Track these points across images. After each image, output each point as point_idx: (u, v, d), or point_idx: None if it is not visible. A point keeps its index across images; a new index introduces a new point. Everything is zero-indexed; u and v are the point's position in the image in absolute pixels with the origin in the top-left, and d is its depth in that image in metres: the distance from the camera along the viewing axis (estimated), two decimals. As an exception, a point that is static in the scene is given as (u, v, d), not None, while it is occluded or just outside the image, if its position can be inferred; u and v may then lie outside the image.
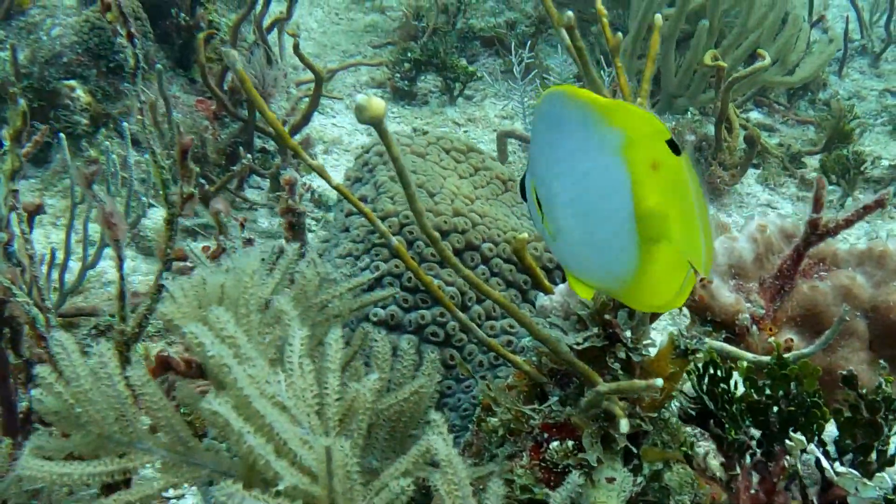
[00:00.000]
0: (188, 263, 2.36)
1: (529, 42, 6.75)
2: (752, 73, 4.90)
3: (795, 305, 1.96)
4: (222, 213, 2.28)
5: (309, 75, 6.27)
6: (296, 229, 3.67)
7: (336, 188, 1.82)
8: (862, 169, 5.55)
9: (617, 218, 1.53)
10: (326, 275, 1.73)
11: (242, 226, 2.45)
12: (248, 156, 4.83)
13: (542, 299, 1.97)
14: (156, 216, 4.25)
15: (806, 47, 6.30)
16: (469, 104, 6.49)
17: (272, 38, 5.36)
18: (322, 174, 1.79)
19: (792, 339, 1.94)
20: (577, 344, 1.85)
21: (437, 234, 1.61)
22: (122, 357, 2.29)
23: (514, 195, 2.46)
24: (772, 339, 1.96)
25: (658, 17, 2.53)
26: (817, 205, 1.96)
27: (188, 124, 4.92)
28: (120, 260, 2.24)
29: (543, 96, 1.57)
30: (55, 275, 3.31)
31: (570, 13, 1.59)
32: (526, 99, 5.61)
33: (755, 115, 6.70)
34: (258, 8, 4.78)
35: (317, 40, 7.06)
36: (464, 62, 6.61)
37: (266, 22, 4.91)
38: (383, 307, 2.16)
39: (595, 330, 1.87)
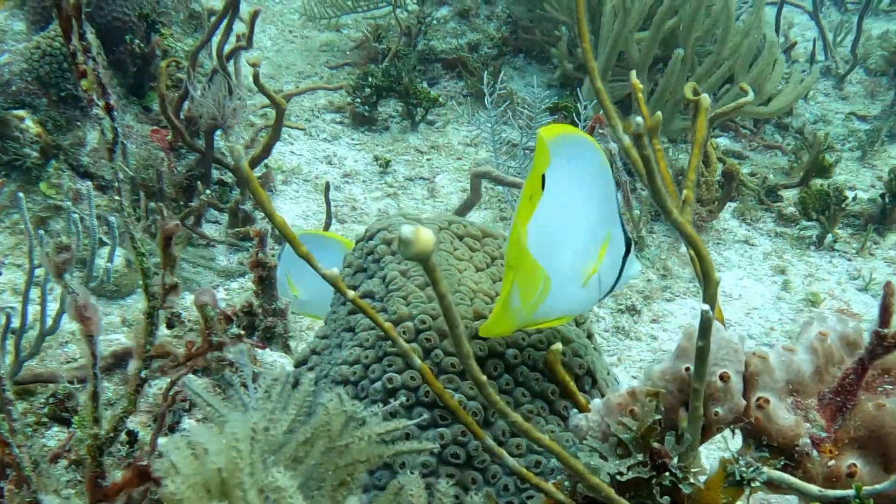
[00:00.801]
0: (169, 362, 2.11)
1: (492, 67, 6.54)
2: (735, 108, 4.70)
3: (859, 425, 1.76)
4: (209, 307, 2.03)
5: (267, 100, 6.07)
6: (265, 284, 3.44)
7: (353, 301, 1.59)
8: (843, 205, 5.39)
9: None
10: (353, 413, 1.49)
11: (229, 317, 2.21)
12: (208, 191, 4.61)
13: (577, 418, 1.76)
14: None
15: (780, 76, 6.11)
16: (431, 130, 6.27)
17: (230, 63, 5.12)
18: (336, 285, 1.57)
19: (855, 465, 1.74)
20: (620, 474, 1.64)
21: (483, 379, 1.39)
22: (95, 464, 2.05)
23: (535, 287, 2.25)
24: (832, 462, 1.75)
25: (688, 87, 2.32)
26: (885, 314, 1.74)
27: (143, 156, 4.68)
28: (94, 357, 2.00)
29: None
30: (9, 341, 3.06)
31: (639, 119, 1.37)
32: (496, 127, 5.39)
33: (722, 141, 6.55)
34: (218, 35, 4.53)
35: (271, 59, 6.81)
36: (425, 86, 6.39)
37: (226, 49, 4.65)
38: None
39: (640, 457, 1.66)
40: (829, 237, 5.41)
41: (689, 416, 1.67)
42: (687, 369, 1.71)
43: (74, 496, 2.69)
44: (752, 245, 5.40)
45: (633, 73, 2.09)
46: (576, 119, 5.30)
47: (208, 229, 4.79)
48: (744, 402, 1.73)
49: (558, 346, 1.74)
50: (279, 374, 1.68)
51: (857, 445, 1.77)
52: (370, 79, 6.14)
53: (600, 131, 4.84)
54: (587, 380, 2.07)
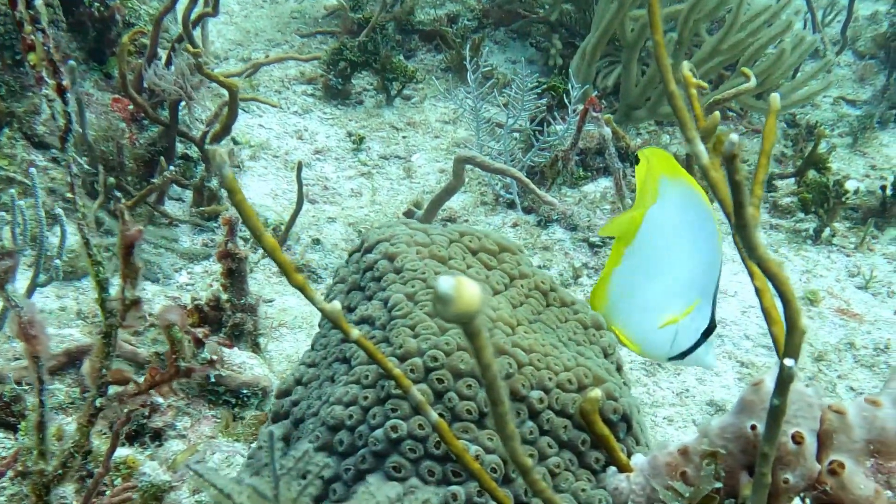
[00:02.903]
0: (130, 389, 1.80)
1: (472, 40, 6.22)
2: (735, 95, 4.42)
3: (953, 495, 1.49)
4: (176, 327, 1.72)
5: (236, 67, 5.75)
6: (235, 276, 3.15)
7: (359, 343, 1.29)
8: (844, 199, 5.12)
9: None
10: None
11: (199, 340, 1.90)
12: (171, 167, 4.29)
13: (618, 479, 1.47)
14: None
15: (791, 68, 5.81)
16: (408, 106, 5.97)
17: (196, 31, 4.80)
18: (338, 323, 1.28)
19: (946, 543, 1.46)
20: (672, 552, 1.36)
21: (529, 464, 1.09)
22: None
23: (560, 311, 1.95)
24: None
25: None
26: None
27: (103, 126, 4.36)
28: (40, 383, 1.70)
29: None
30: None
31: (734, 137, 1.08)
32: (477, 104, 5.09)
33: (708, 125, 6.26)
34: (185, 1, 4.22)
35: (239, 25, 6.48)
36: (402, 60, 6.08)
37: (193, 15, 4.33)
38: (401, 480, 1.63)
39: (696, 532, 1.38)
40: (827, 231, 5.15)
41: (755, 483, 1.38)
42: (753, 428, 1.42)
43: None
44: (747, 238, 5.12)
45: (686, 64, 1.80)
46: (565, 100, 5.01)
47: (171, 207, 4.49)
48: (818, 466, 1.45)
49: (597, 392, 1.44)
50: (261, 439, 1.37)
51: (948, 519, 1.49)
52: (345, 53, 5.82)
53: (594, 114, 4.55)
54: (622, 426, 1.78)
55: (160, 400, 2.77)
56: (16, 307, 1.64)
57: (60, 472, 1.74)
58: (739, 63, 5.45)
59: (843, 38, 7.53)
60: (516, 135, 5.24)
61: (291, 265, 1.28)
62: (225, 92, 4.52)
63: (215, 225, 4.44)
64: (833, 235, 5.20)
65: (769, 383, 1.44)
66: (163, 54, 4.41)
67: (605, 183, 5.12)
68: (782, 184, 5.61)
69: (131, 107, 4.45)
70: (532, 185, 3.80)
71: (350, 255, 1.98)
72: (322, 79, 5.90)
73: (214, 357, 1.84)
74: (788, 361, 1.23)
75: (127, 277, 1.69)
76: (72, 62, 3.93)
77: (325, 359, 1.87)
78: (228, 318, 3.19)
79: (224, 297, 3.20)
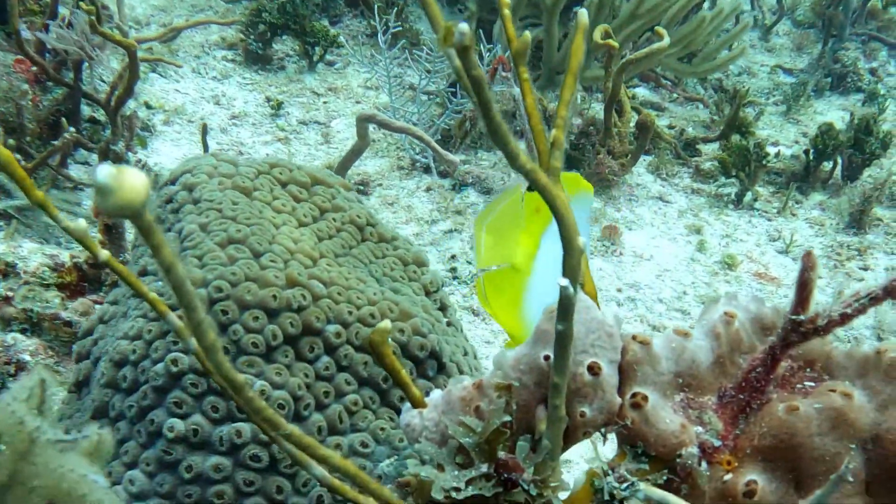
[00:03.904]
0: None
1: (398, 6, 6.11)
2: (647, 55, 4.34)
3: (765, 432, 1.39)
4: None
5: (153, 33, 5.63)
6: (113, 233, 3.05)
7: (106, 263, 1.20)
8: (764, 162, 5.05)
9: None
10: (35, 430, 1.09)
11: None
12: (72, 129, 4.18)
13: (410, 415, 1.38)
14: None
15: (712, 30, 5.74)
16: (330, 71, 5.87)
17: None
18: (83, 241, 1.19)
19: (755, 482, 1.37)
20: (456, 490, 1.27)
21: (241, 380, 0.99)
22: None
23: (377, 246, 1.85)
24: (728, 476, 1.39)
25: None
26: (803, 292, 1.36)
27: (3, 88, 4.24)
28: None
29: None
30: None
31: (463, 26, 0.99)
32: (393, 70, 5.00)
33: (641, 92, 6.21)
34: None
35: (163, -12, 6.36)
36: (325, 24, 5.97)
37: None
38: (183, 416, 1.54)
39: (484, 468, 1.29)
40: (749, 195, 5.09)
41: (549, 416, 1.29)
42: (546, 358, 1.33)
43: None
44: (667, 202, 5.06)
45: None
46: (478, 61, 4.91)
47: (77, 171, 4.38)
48: (618, 399, 1.36)
49: (386, 324, 1.34)
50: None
51: (761, 457, 1.39)
52: (264, 14, 5.70)
53: (503, 74, 4.47)
54: (431, 363, 1.69)
55: (27, 357, 2.68)
56: None
57: None
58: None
59: (780, 6, 7.47)
60: (437, 99, 5.16)
61: (30, 181, 1.19)
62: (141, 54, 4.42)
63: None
64: (755, 200, 5.14)
65: (564, 310, 1.35)
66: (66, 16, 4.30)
67: (520, 145, 5.03)
68: (706, 148, 5.54)
69: (35, 68, 4.34)
70: (433, 144, 3.71)
71: (158, 190, 1.88)
72: (242, 44, 5.79)
73: (31, 280, 1.72)
74: (563, 281, 1.15)
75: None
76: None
77: (124, 295, 1.78)
78: (107, 275, 3.09)
79: (103, 254, 3.09)
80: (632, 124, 5.01)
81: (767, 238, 4.86)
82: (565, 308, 1.17)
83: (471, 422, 1.31)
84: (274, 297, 1.56)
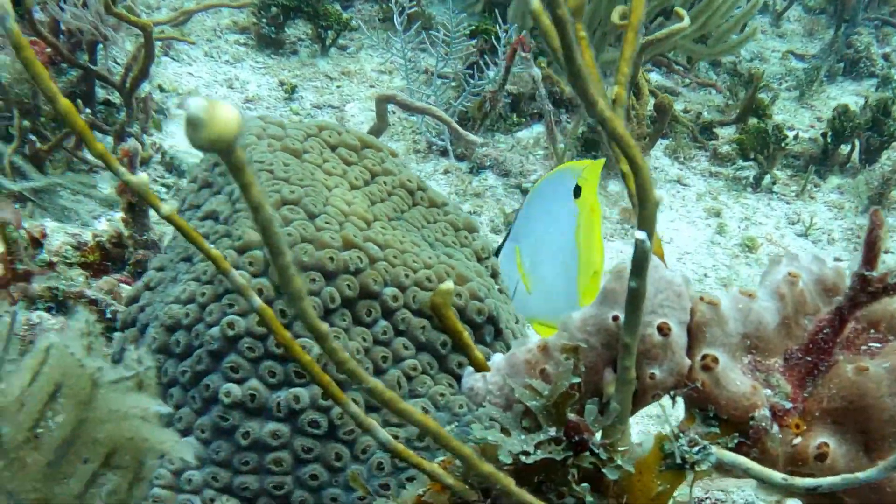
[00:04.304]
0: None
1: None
2: (667, 36, 4.29)
3: (834, 394, 1.36)
4: (11, 226, 1.58)
5: (164, 16, 5.59)
6: (136, 211, 3.01)
7: (168, 219, 1.17)
8: (783, 144, 5.02)
9: (568, 255, 2.19)
10: (96, 371, 1.05)
11: (37, 240, 1.73)
12: (87, 110, 4.15)
13: (473, 378, 1.35)
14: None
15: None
16: (343, 56, 5.83)
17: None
18: (146, 197, 1.16)
19: (827, 445, 1.33)
20: (525, 454, 1.24)
21: (324, 329, 0.96)
22: None
23: (428, 211, 1.82)
24: (798, 440, 1.36)
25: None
26: (871, 251, 1.33)
27: (17, 69, 4.21)
28: None
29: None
30: None
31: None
32: (408, 53, 4.97)
33: (654, 76, 6.17)
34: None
35: (173, -27, 6.33)
36: (337, 8, 5.93)
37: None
38: (240, 381, 1.50)
39: (552, 432, 1.26)
40: (768, 178, 5.06)
41: (618, 378, 1.26)
42: (615, 318, 1.30)
43: None
44: (685, 185, 5.04)
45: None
46: (495, 43, 4.88)
47: (90, 153, 4.34)
48: (688, 361, 1.33)
49: (449, 284, 1.31)
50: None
51: (830, 419, 1.36)
52: (276, -3, 5.68)
53: (522, 54, 4.43)
54: (489, 329, 1.65)
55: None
56: None
57: None
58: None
59: (792, -9, 7.45)
60: (453, 83, 5.13)
61: (90, 133, 1.16)
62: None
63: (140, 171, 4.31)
64: (774, 183, 5.11)
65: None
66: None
67: (538, 129, 5.01)
68: (723, 132, 5.51)
69: (49, 50, 4.30)
70: (454, 124, 3.68)
71: (205, 155, 1.85)
72: (255, 27, 5.75)
73: (54, 259, 1.67)
74: (640, 234, 1.11)
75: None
76: (-17, 1, 3.78)
77: (172, 261, 1.74)
78: (131, 254, 3.06)
79: (126, 232, 3.05)
80: (648, 107, 4.98)
81: (787, 221, 4.84)
82: (640, 263, 1.14)
83: (537, 384, 1.28)
84: (331, 258, 1.52)
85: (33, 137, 4.04)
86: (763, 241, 4.59)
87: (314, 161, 1.69)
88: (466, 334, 1.38)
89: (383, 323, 1.54)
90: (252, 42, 5.77)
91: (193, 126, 0.77)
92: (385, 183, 1.75)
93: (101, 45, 4.32)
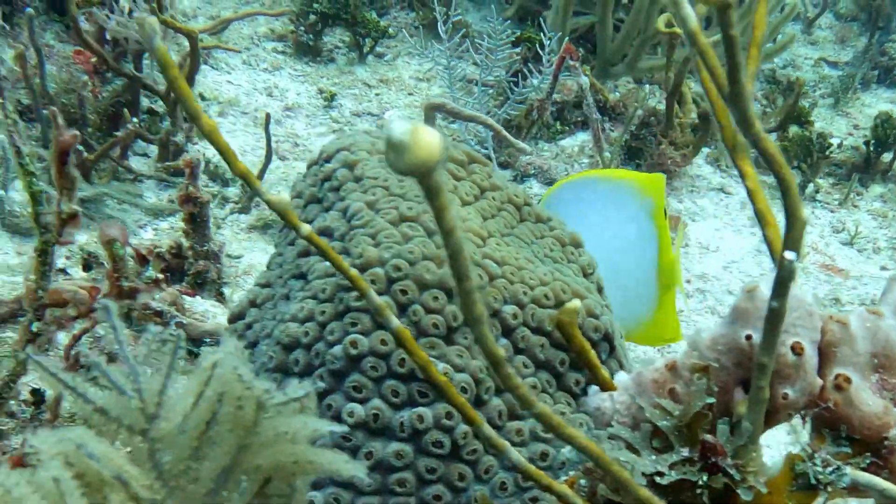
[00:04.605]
0: (69, 311, 1.65)
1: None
2: (717, 43, 4.28)
3: (964, 413, 1.35)
4: (118, 243, 1.57)
5: (201, 25, 5.58)
6: (197, 222, 3.00)
7: (310, 239, 1.16)
8: (827, 153, 5.00)
9: (645, 269, 2.33)
10: (263, 393, 1.02)
11: (143, 257, 1.71)
12: (134, 119, 4.15)
13: (599, 398, 1.33)
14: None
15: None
16: (380, 63, 5.83)
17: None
18: (286, 216, 1.15)
19: (961, 465, 1.33)
20: (660, 475, 1.23)
21: (501, 355, 0.95)
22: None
23: (535, 226, 1.80)
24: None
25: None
26: None
27: (64, 79, 4.22)
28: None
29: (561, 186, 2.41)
30: None
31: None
32: (452, 61, 4.96)
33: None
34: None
35: (208, -20, 6.32)
36: (374, 16, 5.92)
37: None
38: (363, 401, 1.49)
39: (685, 452, 1.25)
40: (811, 187, 5.03)
41: (751, 398, 1.25)
42: (748, 338, 1.29)
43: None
44: (728, 193, 5.02)
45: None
46: (539, 50, 4.87)
47: (136, 163, 4.33)
48: (819, 381, 1.32)
49: (576, 303, 1.29)
50: (161, 334, 1.18)
51: (963, 439, 1.35)
52: (315, 5, 5.66)
53: (570, 62, 4.42)
54: (603, 346, 1.64)
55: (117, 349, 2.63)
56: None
57: (-6, 404, 1.61)
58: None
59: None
60: (492, 91, 5.11)
61: (233, 151, 1.15)
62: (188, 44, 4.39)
63: (181, 180, 4.30)
64: (817, 191, 5.09)
65: (764, 288, 1.31)
66: (126, 5, 4.25)
67: (582, 137, 5.00)
68: (764, 140, 5.49)
69: (94, 59, 4.30)
70: (504, 132, 3.67)
71: (308, 168, 1.83)
72: (292, 35, 5.75)
73: (160, 276, 1.65)
74: (789, 255, 1.10)
75: (63, 189, 1.55)
76: (29, 10, 3.79)
77: (280, 277, 1.72)
78: (191, 265, 3.05)
79: (186, 243, 3.05)
80: (692, 115, 4.97)
81: (831, 230, 4.82)
82: (784, 283, 1.14)
83: (668, 404, 1.27)
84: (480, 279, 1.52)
85: (80, 147, 4.04)
86: (809, 250, 4.57)
87: (424, 176, 1.68)
88: (593, 353, 1.37)
89: (503, 341, 1.53)
90: (290, 50, 5.76)
91: (396, 150, 0.77)
92: (494, 198, 1.73)
93: (146, 55, 4.32)
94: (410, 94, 5.54)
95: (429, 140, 0.77)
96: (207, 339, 2.83)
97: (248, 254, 3.91)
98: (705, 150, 5.23)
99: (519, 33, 5.34)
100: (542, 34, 4.90)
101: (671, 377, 1.32)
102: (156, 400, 1.01)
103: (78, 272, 3.03)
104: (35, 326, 1.57)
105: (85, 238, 3.08)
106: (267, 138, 4.15)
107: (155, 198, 4.22)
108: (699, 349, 1.32)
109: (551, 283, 1.59)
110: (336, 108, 5.31)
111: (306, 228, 1.14)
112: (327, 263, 1.55)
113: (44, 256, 1.55)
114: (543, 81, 4.80)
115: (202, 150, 4.44)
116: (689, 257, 4.35)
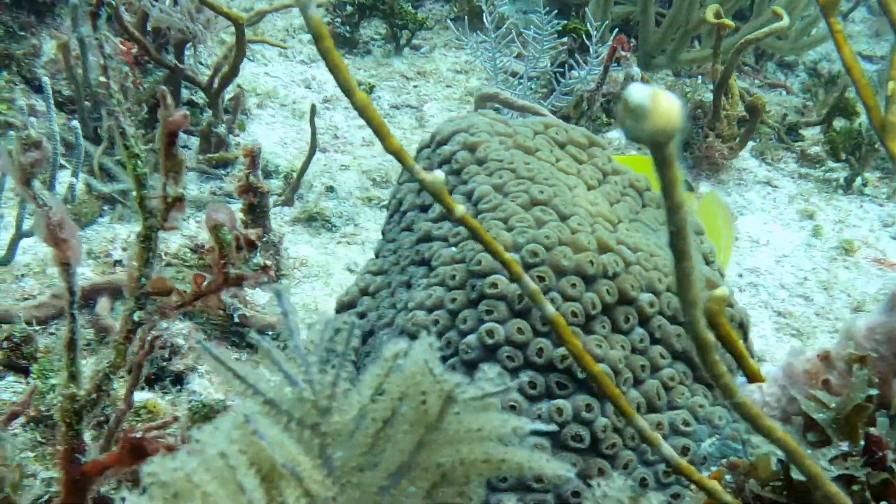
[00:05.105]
0: (173, 300, 1.58)
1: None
2: (768, 34, 4.22)
3: None
4: (225, 228, 1.50)
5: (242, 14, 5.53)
6: (256, 212, 2.95)
7: (462, 220, 1.10)
8: (875, 145, 4.93)
9: None
10: (455, 388, 0.95)
11: (252, 242, 1.63)
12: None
13: (748, 390, 1.27)
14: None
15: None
16: (417, 55, 5.77)
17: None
18: (440, 197, 1.09)
19: None
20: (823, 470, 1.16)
21: (711, 340, 0.89)
22: (72, 434, 1.55)
23: (657, 212, 1.73)
24: None
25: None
26: None
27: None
28: (71, 293, 1.50)
29: None
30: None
31: None
32: (496, 53, 4.91)
33: (726, 79, 6.10)
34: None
35: (241, -25, 6.27)
36: (411, 8, 5.86)
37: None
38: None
39: (844, 446, 1.18)
40: (859, 180, 4.96)
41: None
42: (911, 326, 1.23)
43: (33, 460, 2.22)
44: (775, 187, 4.95)
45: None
46: (586, 41, 4.81)
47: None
48: None
49: (724, 290, 1.23)
50: (333, 322, 1.12)
51: None
52: (352, -5, 5.62)
53: (622, 53, 4.35)
54: (739, 335, 1.57)
55: (181, 341, 2.59)
56: (44, 206, 1.43)
57: (94, 396, 1.54)
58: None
59: (857, -7, 7.36)
60: (532, 83, 5.05)
61: (387, 128, 1.09)
62: (230, 38, 4.33)
63: (223, 172, 4.25)
64: (865, 185, 5.02)
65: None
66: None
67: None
68: (808, 133, 5.42)
69: (135, 50, 4.24)
70: (560, 122, 3.60)
71: (419, 152, 1.76)
72: (329, 27, 5.68)
73: (268, 263, 1.57)
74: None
75: (169, 171, 1.49)
76: (74, 0, 3.74)
77: (396, 264, 1.65)
78: (251, 256, 2.99)
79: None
80: (738, 107, 4.90)
81: (881, 223, 4.76)
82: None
83: (823, 396, 1.21)
84: (591, 262, 1.44)
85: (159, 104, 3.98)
86: (860, 244, 4.50)
87: (547, 159, 1.61)
88: (741, 343, 1.30)
89: (640, 330, 1.46)
90: (326, 42, 5.70)
91: (636, 115, 0.71)
92: (616, 183, 1.66)
93: (188, 45, 4.26)
94: (448, 86, 5.48)
95: (669, 106, 0.71)
96: (270, 332, 2.78)
97: (292, 246, 3.85)
98: (749, 143, 5.17)
99: (564, 23, 5.26)
100: (588, 24, 4.83)
101: (824, 368, 1.26)
102: (328, 392, 0.95)
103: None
104: (137, 316, 1.51)
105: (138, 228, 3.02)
106: (312, 129, 4.09)
107: (197, 190, 4.16)
108: (855, 338, 1.26)
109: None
110: (374, 100, 5.25)
111: (460, 210, 1.09)
112: (453, 249, 1.49)
113: (147, 242, 1.48)
114: (591, 72, 4.73)
115: (242, 141, 4.40)
116: (741, 251, 4.29)
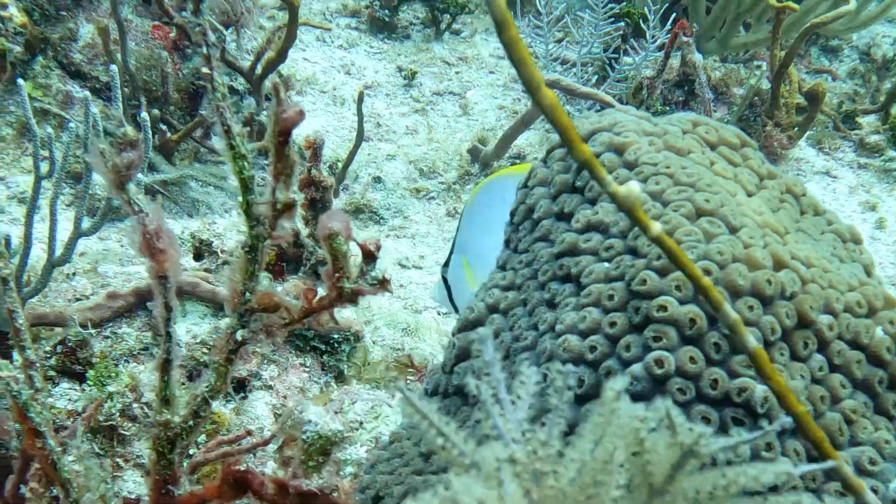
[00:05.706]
0: (281, 317, 1.42)
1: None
2: (836, 18, 4.06)
3: None
4: (340, 238, 1.34)
5: (271, 1, 5.38)
6: (318, 208, 2.80)
7: (656, 240, 0.94)
8: (938, 134, 4.78)
9: None
10: (694, 443, 0.79)
11: (371, 253, 1.46)
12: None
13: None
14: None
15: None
16: (458, 40, 5.63)
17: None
18: (634, 214, 0.93)
19: None
20: None
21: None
22: (164, 464, 1.40)
23: (815, 220, 1.56)
24: None
25: None
26: None
27: (144, 55, 4.00)
28: (167, 310, 1.34)
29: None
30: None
31: None
32: (550, 41, 4.76)
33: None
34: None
35: (275, -42, 6.12)
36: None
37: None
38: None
39: None
40: (920, 171, 4.82)
41: None
42: None
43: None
44: (835, 177, 4.79)
45: None
46: (642, 24, 4.66)
47: (218, 143, 4.13)
48: None
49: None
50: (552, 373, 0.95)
51: None
52: (394, -22, 5.47)
53: (683, 39, 4.19)
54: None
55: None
56: (140, 212, 1.28)
57: (191, 423, 1.39)
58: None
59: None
60: (578, 69, 4.89)
61: (575, 131, 0.93)
62: (268, 24, 4.19)
63: (265, 161, 4.10)
64: (925, 176, 4.88)
65: None
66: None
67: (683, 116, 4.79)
68: (865, 121, 5.25)
69: (173, 34, 4.09)
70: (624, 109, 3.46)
71: (549, 153, 1.59)
72: (368, 11, 5.53)
73: (387, 277, 1.41)
74: None
75: (280, 175, 1.34)
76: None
77: (531, 278, 1.48)
78: (310, 255, 2.83)
79: (305, 231, 2.83)
80: (797, 95, 4.74)
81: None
82: None
83: None
84: (769, 281, 1.28)
85: (163, 126, 3.84)
86: (926, 239, 4.35)
87: (701, 162, 1.45)
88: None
89: (819, 357, 1.30)
90: (364, 26, 5.56)
91: None
92: (774, 188, 1.50)
93: (230, 29, 4.12)
94: (491, 72, 5.34)
95: None
96: (336, 335, 2.63)
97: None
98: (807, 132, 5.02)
99: (619, 7, 5.10)
100: (645, 8, 4.67)
101: None
102: (542, 453, 0.79)
103: (188, 261, 2.83)
104: (240, 335, 1.36)
105: (197, 225, 2.87)
106: (359, 117, 3.94)
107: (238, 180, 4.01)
108: None
109: (859, 287, 1.36)
110: (416, 86, 5.10)
111: (656, 228, 0.93)
112: (607, 264, 1.32)
113: (253, 253, 1.33)
114: (648, 58, 4.58)
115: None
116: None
